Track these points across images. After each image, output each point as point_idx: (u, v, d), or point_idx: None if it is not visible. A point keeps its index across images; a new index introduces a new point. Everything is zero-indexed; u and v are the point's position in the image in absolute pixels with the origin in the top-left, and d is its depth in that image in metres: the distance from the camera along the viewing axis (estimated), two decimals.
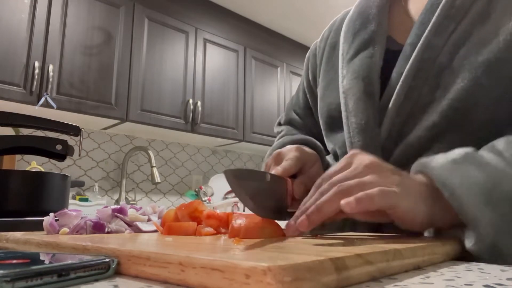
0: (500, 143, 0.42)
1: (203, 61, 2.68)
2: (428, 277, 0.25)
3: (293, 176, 0.52)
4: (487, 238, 0.33)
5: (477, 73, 0.47)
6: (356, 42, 0.61)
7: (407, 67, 0.52)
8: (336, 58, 0.66)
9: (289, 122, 0.81)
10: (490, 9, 0.49)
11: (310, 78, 0.75)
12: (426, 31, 0.52)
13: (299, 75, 3.32)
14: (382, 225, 0.52)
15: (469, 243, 0.34)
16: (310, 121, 0.77)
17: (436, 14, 0.52)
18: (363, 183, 0.38)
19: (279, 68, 3.20)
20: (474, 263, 0.32)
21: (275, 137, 0.82)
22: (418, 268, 0.29)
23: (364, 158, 0.41)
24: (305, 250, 0.27)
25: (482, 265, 0.30)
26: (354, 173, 0.40)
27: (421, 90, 0.51)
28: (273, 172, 0.51)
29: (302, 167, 0.54)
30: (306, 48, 3.47)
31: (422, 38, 0.52)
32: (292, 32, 3.29)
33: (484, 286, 0.22)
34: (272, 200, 0.43)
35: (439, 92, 0.50)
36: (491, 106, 0.47)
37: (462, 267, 0.29)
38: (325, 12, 3.00)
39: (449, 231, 0.39)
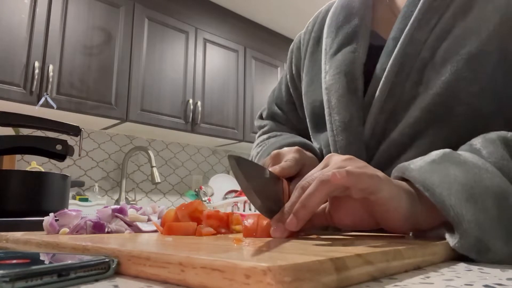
0: (477, 141, 0.41)
1: (203, 61, 2.68)
2: (428, 277, 0.25)
3: (289, 179, 0.51)
4: (471, 234, 0.32)
5: (458, 65, 0.47)
6: (339, 37, 0.59)
7: (390, 62, 0.51)
8: (319, 53, 0.64)
9: (272, 117, 0.79)
10: (472, 1, 0.49)
11: (294, 72, 0.73)
12: (409, 25, 0.51)
13: None
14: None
15: (453, 241, 0.33)
16: (293, 116, 0.74)
17: (419, 7, 0.51)
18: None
19: (279, 68, 3.20)
20: (474, 263, 0.32)
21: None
22: (418, 268, 0.29)
23: (341, 156, 0.41)
24: (305, 250, 0.27)
25: (482, 265, 0.30)
26: (335, 167, 0.39)
27: (404, 86, 0.50)
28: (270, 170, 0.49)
29: (300, 170, 0.52)
30: None
31: (405, 33, 0.51)
32: (292, 32, 3.29)
33: (484, 286, 0.22)
34: (269, 199, 0.42)
35: (422, 88, 0.49)
36: (473, 100, 0.47)
37: (462, 267, 0.29)
38: None
39: (432, 231, 0.38)
